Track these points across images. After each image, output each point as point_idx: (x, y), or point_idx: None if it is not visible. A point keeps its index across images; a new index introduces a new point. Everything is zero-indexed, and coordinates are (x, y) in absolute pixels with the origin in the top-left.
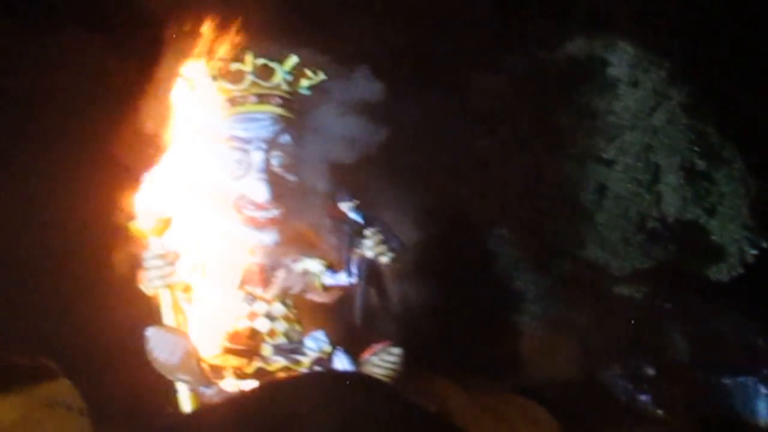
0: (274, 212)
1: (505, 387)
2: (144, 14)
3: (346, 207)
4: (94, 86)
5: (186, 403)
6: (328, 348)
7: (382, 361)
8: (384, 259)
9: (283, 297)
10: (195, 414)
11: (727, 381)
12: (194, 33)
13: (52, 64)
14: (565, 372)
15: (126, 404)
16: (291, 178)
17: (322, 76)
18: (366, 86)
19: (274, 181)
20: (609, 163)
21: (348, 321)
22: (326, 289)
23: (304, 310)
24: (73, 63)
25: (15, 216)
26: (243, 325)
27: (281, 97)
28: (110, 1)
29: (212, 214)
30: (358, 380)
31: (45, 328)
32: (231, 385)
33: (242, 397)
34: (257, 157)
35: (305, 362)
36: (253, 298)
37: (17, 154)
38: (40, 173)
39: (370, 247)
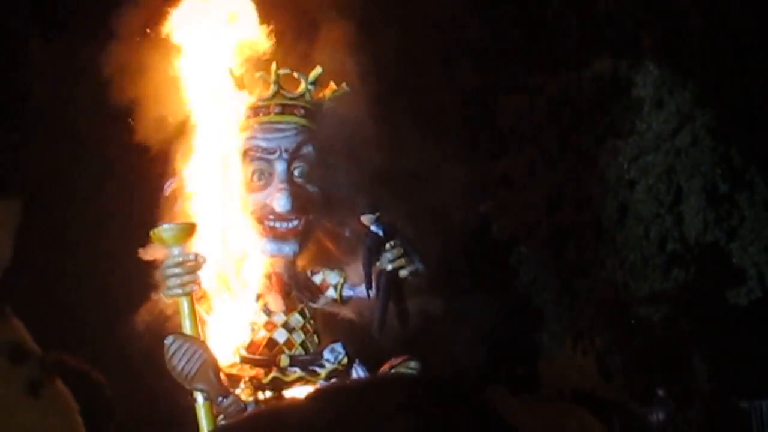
0: (295, 223)
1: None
2: (167, 24)
3: (367, 219)
4: (116, 96)
5: (202, 412)
6: (345, 360)
7: None
8: (404, 273)
9: (302, 308)
10: (252, 418)
11: (744, 404)
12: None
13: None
14: (582, 390)
15: (145, 413)
16: (312, 189)
17: (345, 88)
18: (388, 101)
19: (295, 191)
20: (631, 184)
21: (366, 334)
22: (345, 301)
23: (322, 322)
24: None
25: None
26: (261, 335)
27: (305, 108)
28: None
29: (232, 224)
30: (435, 384)
31: (69, 335)
32: (247, 395)
33: (304, 402)
34: (279, 167)
35: (322, 374)
36: (271, 308)
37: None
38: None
39: (391, 260)
